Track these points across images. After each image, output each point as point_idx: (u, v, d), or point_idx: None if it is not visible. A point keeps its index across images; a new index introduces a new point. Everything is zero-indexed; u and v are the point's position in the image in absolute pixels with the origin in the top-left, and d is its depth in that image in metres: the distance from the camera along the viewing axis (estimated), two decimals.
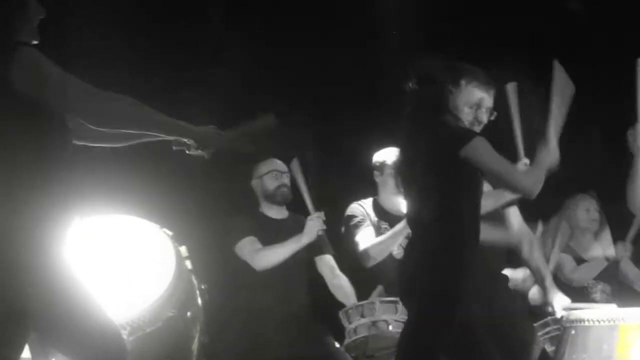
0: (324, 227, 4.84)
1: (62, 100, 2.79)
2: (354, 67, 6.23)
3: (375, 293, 4.70)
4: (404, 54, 6.02)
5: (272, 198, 5.09)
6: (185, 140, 3.10)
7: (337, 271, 5.05)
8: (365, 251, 4.81)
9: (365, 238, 4.86)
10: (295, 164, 5.02)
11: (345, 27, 6.24)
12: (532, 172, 3.75)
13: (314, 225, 4.81)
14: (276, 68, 6.10)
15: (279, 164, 5.15)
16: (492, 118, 3.90)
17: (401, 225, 4.67)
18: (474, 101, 3.81)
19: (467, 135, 3.64)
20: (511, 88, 4.21)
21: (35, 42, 2.93)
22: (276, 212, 5.13)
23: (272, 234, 4.94)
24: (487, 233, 3.86)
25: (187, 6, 5.97)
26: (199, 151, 3.14)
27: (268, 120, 3.43)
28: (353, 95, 6.25)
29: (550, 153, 3.74)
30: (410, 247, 3.81)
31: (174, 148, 3.17)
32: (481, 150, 3.59)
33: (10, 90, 2.72)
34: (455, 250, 3.60)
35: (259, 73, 6.00)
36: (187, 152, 3.15)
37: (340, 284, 4.98)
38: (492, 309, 4.21)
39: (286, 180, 5.10)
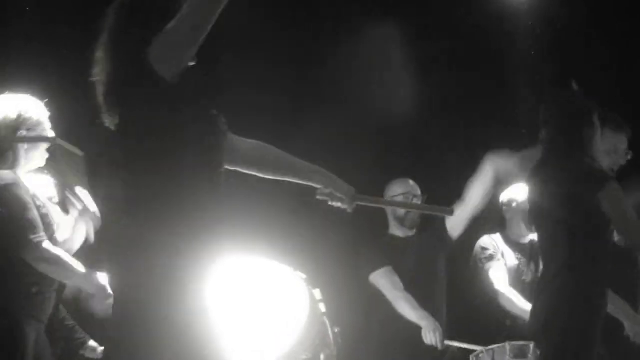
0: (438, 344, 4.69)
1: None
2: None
3: None
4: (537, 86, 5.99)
5: (401, 221, 5.04)
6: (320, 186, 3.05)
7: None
8: (499, 293, 4.77)
9: (499, 276, 4.82)
10: None
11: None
12: None
13: (430, 337, 4.66)
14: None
15: (412, 186, 5.04)
16: (629, 158, 3.85)
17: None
18: (610, 147, 3.77)
19: (606, 177, 3.61)
20: None
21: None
22: (404, 232, 5.08)
23: (398, 253, 4.93)
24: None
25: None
26: (343, 204, 3.09)
27: (447, 212, 3.50)
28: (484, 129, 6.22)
29: None
30: (543, 287, 3.79)
31: (317, 197, 3.14)
32: (619, 195, 3.55)
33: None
34: (590, 296, 3.56)
35: None
36: (329, 203, 3.09)
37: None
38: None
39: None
